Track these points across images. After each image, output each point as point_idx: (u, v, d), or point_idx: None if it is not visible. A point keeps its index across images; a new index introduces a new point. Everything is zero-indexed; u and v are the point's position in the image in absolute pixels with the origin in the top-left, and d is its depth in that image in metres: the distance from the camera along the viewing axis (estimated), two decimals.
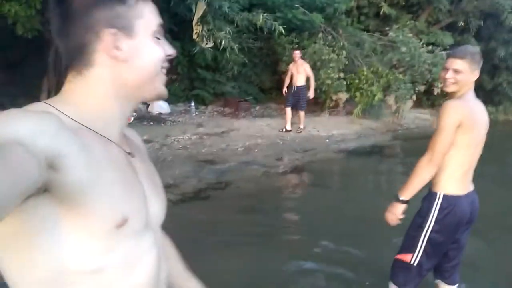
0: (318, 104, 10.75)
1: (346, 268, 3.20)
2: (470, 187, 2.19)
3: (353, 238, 3.71)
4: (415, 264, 2.18)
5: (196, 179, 5.66)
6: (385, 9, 12.26)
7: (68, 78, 0.75)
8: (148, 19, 0.76)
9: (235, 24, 7.41)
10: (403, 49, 10.29)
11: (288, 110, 8.76)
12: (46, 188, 0.59)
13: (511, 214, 4.43)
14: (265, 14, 7.27)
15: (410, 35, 10.86)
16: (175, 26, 9.39)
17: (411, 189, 2.13)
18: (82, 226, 0.65)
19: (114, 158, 0.73)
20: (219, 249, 3.46)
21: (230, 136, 8.15)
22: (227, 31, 6.83)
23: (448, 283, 2.35)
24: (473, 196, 2.19)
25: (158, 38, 0.77)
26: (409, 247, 2.20)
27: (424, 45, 10.81)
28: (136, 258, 0.74)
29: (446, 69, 2.09)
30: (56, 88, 8.16)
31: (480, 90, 14.12)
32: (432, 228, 2.12)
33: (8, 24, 6.20)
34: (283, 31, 7.56)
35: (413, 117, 11.57)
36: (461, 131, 2.01)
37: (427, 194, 2.19)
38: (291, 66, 8.73)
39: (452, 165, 2.08)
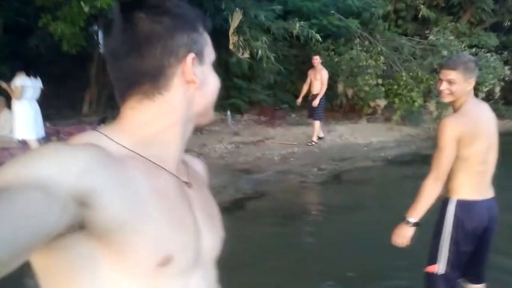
0: (355, 111, 10.55)
1: (389, 282, 3.07)
2: (488, 194, 2.18)
3: (391, 251, 3.56)
4: (441, 273, 2.16)
5: (233, 189, 5.66)
6: (423, 11, 11.90)
7: (131, 104, 0.71)
8: (211, 48, 0.77)
9: (271, 33, 7.40)
10: (444, 52, 9.92)
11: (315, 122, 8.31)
12: (81, 225, 0.57)
13: None
14: (301, 22, 7.21)
15: (452, 37, 10.47)
16: (211, 36, 9.52)
17: (419, 209, 2.12)
18: (121, 264, 0.62)
19: (164, 189, 0.69)
20: (251, 264, 3.42)
21: (266, 144, 8.13)
22: (263, 41, 6.83)
23: (474, 283, 2.32)
24: (491, 202, 2.18)
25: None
26: (433, 257, 2.19)
27: (467, 48, 10.39)
28: None
29: (440, 80, 2.12)
30: (97, 100, 8.49)
31: None
32: (451, 234, 2.12)
33: (54, 41, 6.51)
34: (320, 39, 7.47)
35: None
36: (462, 145, 2.03)
37: (443, 201, 2.17)
38: (310, 72, 8.26)
39: (463, 174, 2.09)
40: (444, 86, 2.07)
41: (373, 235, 4.02)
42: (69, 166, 0.56)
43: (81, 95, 8.33)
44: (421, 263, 3.25)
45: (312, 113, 8.21)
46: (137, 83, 0.70)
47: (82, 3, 5.42)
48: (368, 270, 3.31)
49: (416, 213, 2.13)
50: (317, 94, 8.10)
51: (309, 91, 8.33)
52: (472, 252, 2.20)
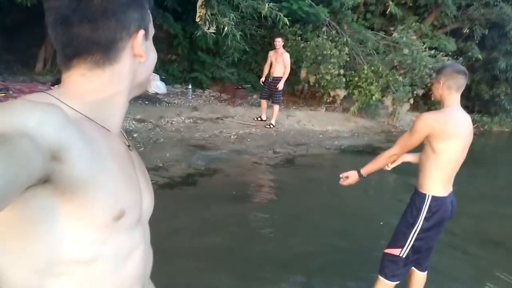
0: (315, 98, 10.75)
1: (329, 264, 3.24)
2: (451, 188, 2.46)
3: (335, 234, 3.75)
4: (403, 256, 2.44)
5: (186, 163, 5.65)
6: (392, 8, 12.16)
7: (80, 71, 0.73)
8: (152, 24, 0.82)
9: (240, 10, 7.31)
10: (405, 51, 10.26)
11: (263, 102, 8.40)
12: (47, 179, 0.60)
13: (489, 227, 4.51)
14: (271, 3, 7.17)
15: (414, 37, 10.82)
16: (179, 7, 9.27)
17: (372, 169, 2.54)
18: (80, 217, 0.65)
19: (116, 150, 0.75)
20: (199, 236, 3.49)
21: (224, 122, 8.13)
22: (231, 18, 6.74)
23: (421, 270, 2.65)
24: (452, 196, 2.47)
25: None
26: (399, 242, 2.45)
27: (427, 49, 10.79)
28: (127, 252, 0.75)
29: None
30: (52, 58, 8.07)
31: (478, 100, 14.18)
32: (422, 226, 2.37)
33: None
34: (287, 22, 7.48)
35: (409, 119, 11.58)
36: (433, 139, 2.30)
37: (416, 195, 2.43)
38: (271, 53, 8.17)
39: (437, 170, 2.36)
40: None
41: (319, 218, 4.20)
42: (48, 120, 0.58)
43: (35, 51, 7.90)
44: (358, 245, 3.45)
45: (272, 96, 8.25)
46: (87, 52, 0.73)
47: None
48: (311, 251, 3.47)
49: (368, 171, 2.54)
50: (278, 77, 8.10)
51: (269, 72, 8.30)
52: (434, 239, 2.49)
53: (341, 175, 2.60)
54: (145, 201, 0.83)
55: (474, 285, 3.25)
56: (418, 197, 2.40)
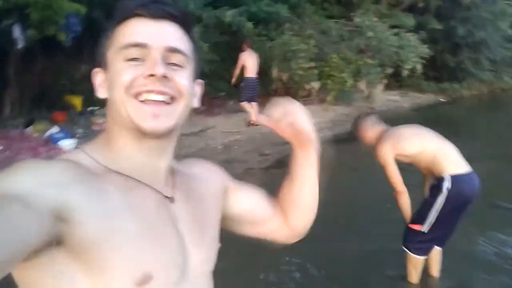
0: (291, 94, 10.76)
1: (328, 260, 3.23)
2: (468, 168, 2.51)
3: (338, 229, 3.74)
4: (425, 232, 2.52)
5: None
6: None
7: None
8: (117, 43, 0.67)
9: (202, 21, 7.26)
10: (370, 33, 10.42)
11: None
12: (59, 241, 0.56)
13: None
14: (232, 10, 7.14)
15: (375, 19, 11.00)
16: None
17: (407, 214, 2.65)
18: (100, 283, 0.59)
19: (141, 204, 0.66)
20: None
21: (208, 134, 8.05)
22: (195, 30, 6.69)
23: (439, 246, 2.72)
24: (475, 176, 2.51)
25: (132, 60, 0.66)
26: (420, 218, 2.54)
27: (389, 29, 10.99)
28: None
29: None
30: (19, 101, 7.81)
31: (444, 68, 14.55)
32: (443, 205, 2.44)
33: None
34: (251, 27, 7.48)
35: (384, 99, 11.80)
36: (402, 151, 2.56)
37: (436, 179, 2.49)
38: None
39: (434, 158, 2.49)
40: None
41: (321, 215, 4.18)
42: (46, 180, 0.56)
43: (0, 96, 7.62)
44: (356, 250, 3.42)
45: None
46: None
47: None
48: (318, 252, 3.44)
49: (408, 218, 2.65)
50: (246, 78, 8.33)
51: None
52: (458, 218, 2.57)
53: None
54: (195, 257, 0.72)
55: None
56: (437, 180, 2.47)
